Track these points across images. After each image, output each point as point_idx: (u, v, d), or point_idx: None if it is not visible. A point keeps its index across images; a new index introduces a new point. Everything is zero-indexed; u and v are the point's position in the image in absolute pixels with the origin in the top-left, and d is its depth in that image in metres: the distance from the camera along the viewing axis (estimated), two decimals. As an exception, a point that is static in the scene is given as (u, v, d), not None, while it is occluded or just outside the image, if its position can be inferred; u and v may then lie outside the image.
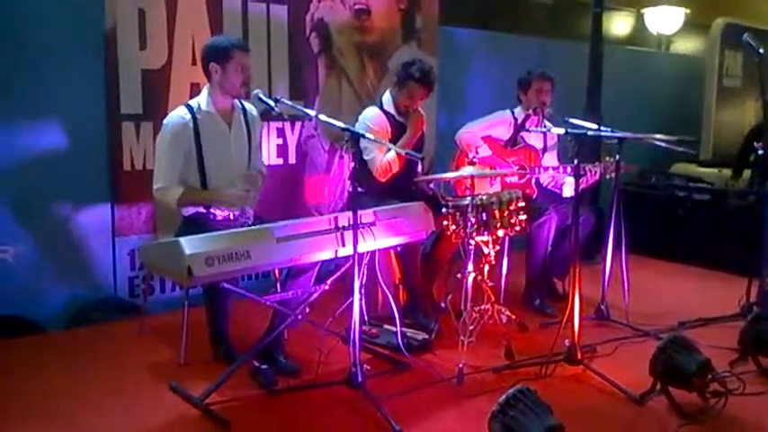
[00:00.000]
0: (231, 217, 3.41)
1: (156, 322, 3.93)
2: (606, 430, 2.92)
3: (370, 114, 3.95)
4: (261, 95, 3.14)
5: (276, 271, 3.49)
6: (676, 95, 7.50)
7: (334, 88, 4.93)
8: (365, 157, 3.84)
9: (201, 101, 3.37)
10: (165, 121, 3.35)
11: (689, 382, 2.92)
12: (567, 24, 7.00)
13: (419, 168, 4.16)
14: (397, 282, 3.98)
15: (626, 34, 8.03)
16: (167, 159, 3.31)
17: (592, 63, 5.67)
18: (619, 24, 7.95)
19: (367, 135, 3.05)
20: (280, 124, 4.65)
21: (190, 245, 2.64)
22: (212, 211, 3.38)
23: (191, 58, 4.14)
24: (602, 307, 4.10)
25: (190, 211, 3.41)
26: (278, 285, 3.51)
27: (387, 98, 4.02)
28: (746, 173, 6.07)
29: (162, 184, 3.31)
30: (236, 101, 3.48)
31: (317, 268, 3.28)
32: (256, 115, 3.63)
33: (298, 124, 4.74)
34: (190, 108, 3.35)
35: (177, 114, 3.33)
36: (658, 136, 4.01)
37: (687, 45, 8.46)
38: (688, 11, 7.90)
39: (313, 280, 3.28)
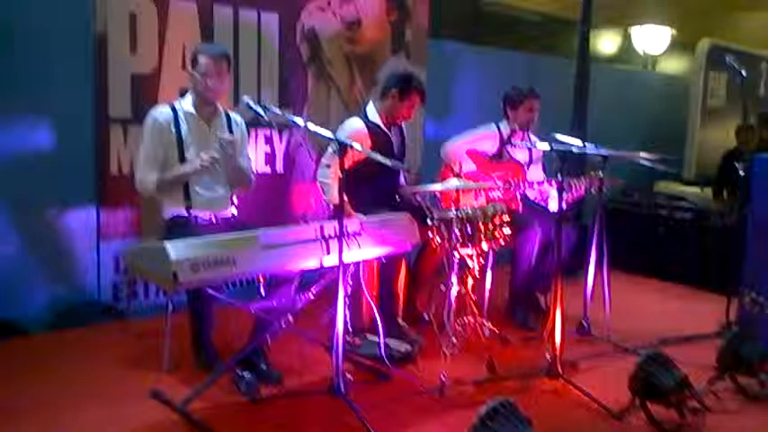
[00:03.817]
0: (213, 220, 3.46)
1: (140, 327, 3.92)
2: (585, 444, 2.96)
3: (350, 127, 3.95)
4: (250, 103, 3.15)
5: (261, 278, 3.49)
6: (661, 114, 7.61)
7: (322, 97, 4.95)
8: (323, 160, 3.88)
9: (186, 102, 3.48)
10: (149, 114, 3.44)
11: (667, 398, 2.95)
12: (554, 41, 7.07)
13: (401, 178, 4.19)
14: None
15: (613, 53, 8.13)
16: (147, 151, 3.40)
17: (578, 80, 5.74)
18: (606, 43, 8.05)
19: (355, 145, 3.06)
20: (268, 132, 4.66)
21: (176, 250, 2.63)
22: (194, 213, 3.43)
23: (181, 63, 4.16)
24: (584, 322, 4.14)
25: (172, 213, 3.44)
26: (262, 293, 3.51)
27: (371, 109, 4.03)
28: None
29: (140, 176, 3.40)
30: (221, 108, 3.54)
31: (298, 278, 3.29)
32: (241, 124, 3.66)
33: (286, 132, 4.75)
34: (173, 107, 3.46)
35: (160, 109, 3.45)
36: (641, 154, 4.07)
37: (672, 65, 8.58)
38: (674, 31, 8.02)
39: (295, 289, 3.29)
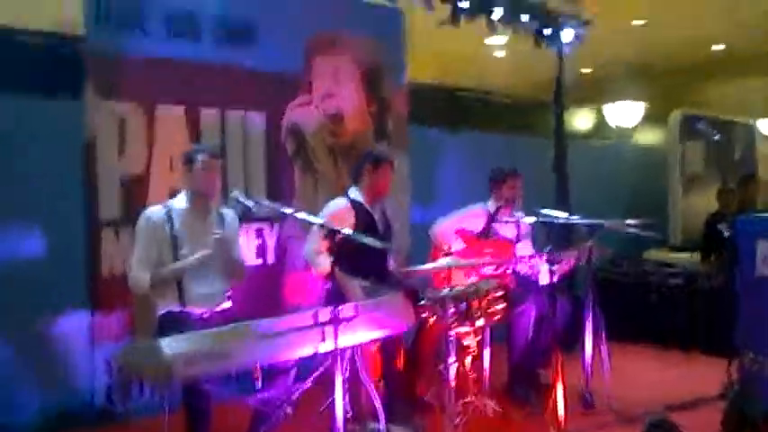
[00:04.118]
0: (206, 315, 3.44)
1: (135, 428, 3.84)
2: None
3: (333, 206, 4.04)
4: (239, 197, 3.23)
5: (257, 369, 3.46)
6: (640, 185, 7.76)
7: (309, 189, 5.04)
8: (309, 237, 3.95)
9: (178, 200, 3.53)
10: (142, 214, 3.48)
11: (676, 464, 2.91)
12: (529, 121, 7.29)
13: (389, 259, 4.23)
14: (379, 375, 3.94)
15: (588, 129, 8.37)
16: (140, 249, 3.43)
17: (557, 159, 5.93)
18: (580, 120, 8.30)
19: (344, 231, 3.11)
20: (258, 224, 4.72)
21: (169, 345, 2.61)
22: (187, 308, 3.41)
23: (169, 164, 4.25)
24: (586, 395, 4.10)
25: (165, 308, 3.43)
26: (258, 384, 3.46)
27: (353, 190, 4.12)
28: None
29: (134, 274, 3.41)
30: (213, 204, 3.61)
31: (295, 366, 3.27)
32: (234, 217, 3.72)
33: (276, 224, 4.82)
34: (166, 206, 3.50)
35: (154, 209, 3.50)
36: (629, 222, 4.15)
37: (648, 137, 8.82)
38: (647, 105, 8.30)
39: (292, 378, 3.26)
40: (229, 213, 3.72)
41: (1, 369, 3.72)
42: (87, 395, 4.00)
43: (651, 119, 8.59)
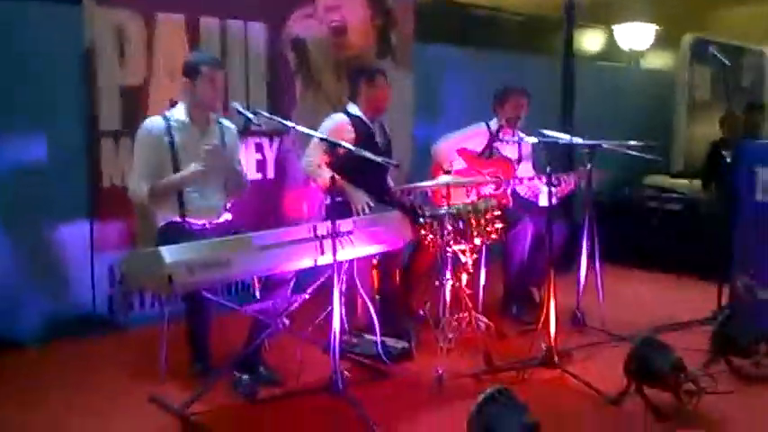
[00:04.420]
0: (207, 225, 3.46)
1: (136, 338, 3.94)
2: (582, 429, 3.00)
3: (333, 121, 4.05)
4: (239, 108, 3.20)
5: (255, 282, 3.52)
6: (647, 109, 7.67)
7: (310, 103, 4.99)
8: (305, 156, 3.98)
9: (178, 112, 3.48)
10: (141, 125, 3.45)
11: (662, 380, 2.98)
12: (539, 40, 7.14)
13: (389, 179, 4.24)
14: (375, 290, 4.02)
15: (597, 50, 8.19)
16: (140, 162, 3.42)
17: (564, 79, 5.82)
18: (590, 40, 8.12)
19: (344, 144, 3.11)
20: (258, 139, 4.70)
21: (170, 253, 2.66)
22: (188, 219, 3.42)
23: (169, 74, 4.19)
24: (578, 313, 4.18)
25: (165, 219, 3.44)
26: (257, 295, 3.53)
27: (352, 107, 4.13)
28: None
29: (133, 186, 3.41)
30: (213, 116, 3.56)
31: (293, 278, 3.32)
32: (233, 129, 3.69)
33: (276, 139, 4.79)
34: (166, 117, 3.46)
35: (153, 121, 3.46)
36: (631, 143, 4.12)
37: (658, 60, 8.65)
38: (658, 27, 8.10)
39: (290, 290, 3.32)
40: (230, 126, 3.68)
41: (3, 279, 3.78)
42: (89, 305, 4.08)
43: (662, 42, 8.40)
